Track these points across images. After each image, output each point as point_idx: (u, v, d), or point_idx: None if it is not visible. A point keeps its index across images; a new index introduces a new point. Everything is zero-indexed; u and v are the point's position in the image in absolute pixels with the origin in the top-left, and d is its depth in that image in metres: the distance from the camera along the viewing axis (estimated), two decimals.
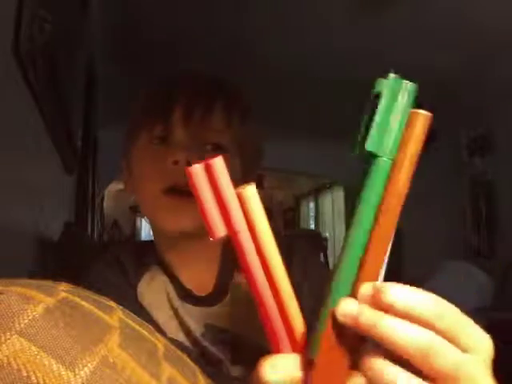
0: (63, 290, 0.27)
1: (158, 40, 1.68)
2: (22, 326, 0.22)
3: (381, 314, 0.25)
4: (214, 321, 0.54)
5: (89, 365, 0.22)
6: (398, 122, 0.27)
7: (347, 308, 0.26)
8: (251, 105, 0.61)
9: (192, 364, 0.32)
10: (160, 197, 0.53)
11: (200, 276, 0.57)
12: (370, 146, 0.26)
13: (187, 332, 0.53)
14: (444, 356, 0.25)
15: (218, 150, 0.56)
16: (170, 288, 0.55)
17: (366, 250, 0.27)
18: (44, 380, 0.21)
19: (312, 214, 5.44)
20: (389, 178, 0.27)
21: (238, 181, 0.62)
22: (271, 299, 0.28)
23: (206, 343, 0.52)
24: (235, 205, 0.28)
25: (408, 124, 0.27)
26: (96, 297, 0.29)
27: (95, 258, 0.58)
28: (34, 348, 0.22)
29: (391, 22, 1.53)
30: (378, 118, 0.27)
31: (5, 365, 0.21)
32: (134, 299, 0.54)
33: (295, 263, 0.57)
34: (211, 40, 1.68)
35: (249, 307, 0.56)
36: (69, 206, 1.60)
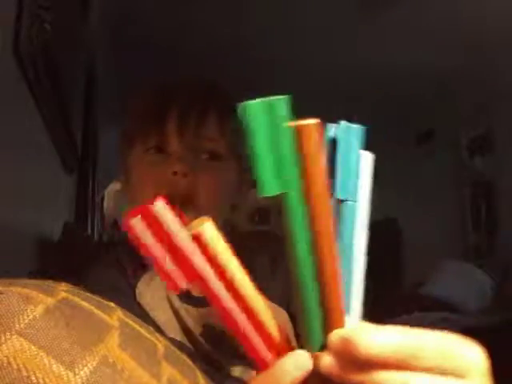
0: (63, 289, 0.27)
1: (158, 40, 1.68)
2: (22, 326, 0.22)
3: (364, 375, 0.23)
4: (213, 321, 0.55)
5: (89, 365, 0.22)
6: (281, 146, 0.23)
7: (326, 365, 0.24)
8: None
9: (192, 364, 0.32)
10: None
11: None
12: (264, 191, 0.23)
13: (187, 332, 0.53)
14: None
15: (214, 158, 0.56)
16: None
17: (320, 292, 0.25)
18: (44, 380, 0.21)
19: None
20: (307, 207, 0.23)
21: (235, 185, 0.62)
22: (261, 344, 0.26)
23: (205, 343, 0.52)
24: (192, 249, 0.24)
25: (296, 142, 0.23)
26: (96, 297, 0.29)
27: (94, 259, 0.58)
28: (33, 348, 0.22)
29: (391, 22, 1.53)
30: (256, 156, 0.23)
31: (5, 365, 0.21)
32: (133, 299, 0.54)
33: None
34: (211, 40, 1.68)
35: None
36: (69, 206, 1.60)
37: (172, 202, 0.54)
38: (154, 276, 0.56)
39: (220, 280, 0.25)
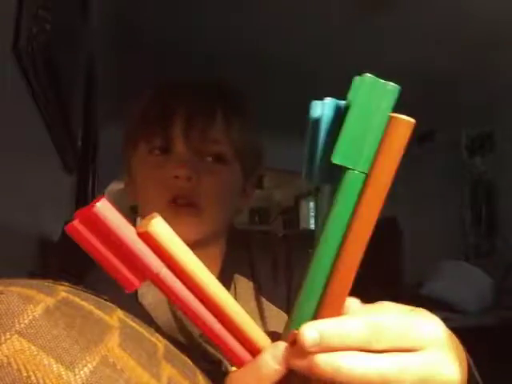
0: (63, 290, 0.27)
1: (158, 40, 1.68)
2: (22, 326, 0.22)
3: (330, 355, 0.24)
4: None
5: (89, 365, 0.22)
6: (373, 130, 0.23)
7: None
8: (251, 109, 0.61)
9: (192, 364, 0.32)
10: (163, 208, 0.53)
11: None
12: (337, 157, 0.23)
13: (187, 332, 0.53)
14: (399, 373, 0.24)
15: (218, 161, 0.56)
16: None
17: (330, 276, 0.24)
18: (44, 380, 0.21)
19: (312, 213, 5.44)
20: (360, 196, 0.23)
21: (239, 188, 0.61)
22: (217, 324, 0.26)
23: (205, 343, 0.53)
24: (141, 247, 0.23)
25: (387, 131, 0.23)
26: (96, 297, 0.29)
27: (84, 268, 0.57)
28: (33, 348, 0.22)
29: (391, 21, 1.53)
30: (347, 125, 0.23)
31: (5, 365, 0.21)
32: (135, 300, 0.54)
33: (294, 262, 0.58)
34: (211, 40, 1.68)
35: (248, 312, 0.56)
36: (69, 206, 1.60)
37: (176, 204, 0.53)
38: None
39: (179, 279, 0.24)
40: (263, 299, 0.56)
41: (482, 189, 2.37)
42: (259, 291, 0.57)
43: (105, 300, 0.29)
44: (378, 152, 0.23)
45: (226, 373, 0.52)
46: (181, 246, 0.24)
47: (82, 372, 0.22)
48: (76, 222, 0.22)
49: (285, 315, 0.57)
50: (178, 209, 0.52)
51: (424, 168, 2.66)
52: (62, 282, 0.28)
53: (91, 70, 1.65)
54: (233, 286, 0.57)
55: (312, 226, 5.37)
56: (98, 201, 0.22)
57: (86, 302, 0.26)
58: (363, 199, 0.23)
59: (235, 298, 0.57)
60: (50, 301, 0.24)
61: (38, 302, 0.24)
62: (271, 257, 0.61)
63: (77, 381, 0.22)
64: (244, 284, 0.58)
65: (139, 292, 0.54)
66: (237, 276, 0.58)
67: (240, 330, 0.26)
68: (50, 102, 0.99)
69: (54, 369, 0.21)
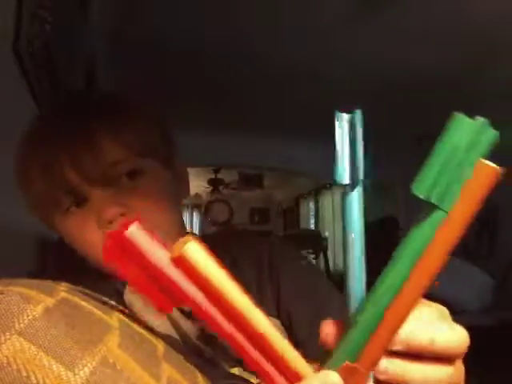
0: (63, 290, 0.27)
1: (158, 40, 1.68)
2: (22, 326, 0.22)
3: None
4: (205, 327, 0.54)
5: (88, 365, 0.22)
6: (461, 169, 0.23)
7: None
8: (135, 103, 0.56)
9: (192, 364, 0.32)
10: None
11: None
12: (420, 190, 0.23)
13: (182, 334, 0.53)
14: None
15: (133, 175, 0.51)
16: None
17: (388, 309, 0.24)
18: (44, 380, 0.21)
19: (312, 213, 5.44)
20: (438, 235, 0.24)
21: (170, 181, 0.55)
22: (255, 352, 0.25)
23: (201, 345, 0.52)
24: (174, 272, 0.22)
25: (475, 175, 0.23)
26: (96, 297, 0.29)
27: (80, 270, 0.54)
28: (33, 348, 0.22)
29: (391, 22, 1.53)
30: (434, 158, 0.23)
31: (4, 365, 0.21)
32: (124, 307, 0.53)
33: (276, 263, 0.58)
34: (211, 40, 1.68)
35: None
36: None
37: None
38: None
39: (215, 304, 0.23)
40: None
41: None
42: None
43: (105, 300, 0.29)
44: (463, 196, 0.23)
45: (223, 372, 0.52)
46: (217, 270, 0.23)
47: (81, 372, 0.22)
48: (109, 244, 0.23)
49: (272, 319, 0.55)
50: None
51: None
52: (62, 282, 0.28)
53: (91, 70, 1.64)
54: None
55: (312, 226, 5.37)
56: (129, 223, 0.23)
57: (86, 302, 0.26)
58: (438, 238, 0.24)
59: None
60: (49, 301, 0.24)
61: (38, 302, 0.24)
62: (254, 258, 0.59)
63: (77, 381, 0.22)
64: None
65: (126, 299, 0.52)
66: None
67: (280, 358, 0.25)
68: (49, 101, 0.99)
69: (54, 369, 0.21)
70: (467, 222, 0.24)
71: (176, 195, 0.57)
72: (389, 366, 0.25)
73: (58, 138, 0.50)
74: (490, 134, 0.23)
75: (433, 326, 0.26)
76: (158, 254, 0.22)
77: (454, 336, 0.26)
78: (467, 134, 0.23)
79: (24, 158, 0.52)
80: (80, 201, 0.50)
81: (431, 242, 0.24)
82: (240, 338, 0.24)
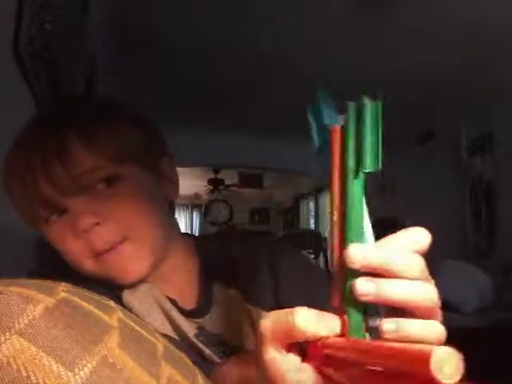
0: (63, 290, 0.27)
1: (158, 40, 1.68)
2: (22, 326, 0.22)
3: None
4: (205, 324, 0.54)
5: (88, 365, 0.22)
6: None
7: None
8: (112, 109, 0.55)
9: (191, 364, 0.32)
10: (98, 261, 0.50)
11: (182, 288, 0.56)
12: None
13: (181, 334, 0.53)
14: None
15: (110, 181, 0.50)
16: (157, 292, 0.54)
17: None
18: (44, 380, 0.21)
19: (312, 213, 5.44)
20: None
21: (154, 185, 0.54)
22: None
23: (200, 345, 0.52)
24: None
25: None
26: (96, 297, 0.29)
27: (77, 274, 0.54)
28: (33, 348, 0.22)
29: (391, 22, 1.53)
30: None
31: (4, 365, 0.21)
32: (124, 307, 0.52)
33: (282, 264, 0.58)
34: (211, 40, 1.68)
35: (234, 317, 0.55)
36: None
37: (107, 253, 0.49)
38: (136, 285, 0.53)
39: None
40: (248, 304, 0.55)
41: (481, 189, 2.37)
42: (243, 295, 0.56)
43: (105, 300, 0.29)
44: None
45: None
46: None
47: (81, 372, 0.22)
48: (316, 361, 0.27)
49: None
50: (112, 255, 0.49)
51: (424, 168, 2.66)
52: (62, 282, 0.28)
53: (91, 69, 1.64)
54: (214, 290, 0.57)
55: (312, 226, 5.37)
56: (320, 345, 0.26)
57: (86, 302, 0.26)
58: None
59: (215, 304, 0.55)
60: (49, 301, 0.24)
61: (38, 302, 0.24)
62: (254, 257, 0.59)
63: (76, 381, 0.22)
64: (226, 289, 0.56)
65: (124, 301, 0.52)
66: (217, 280, 0.57)
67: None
68: (49, 101, 0.99)
69: (54, 369, 0.21)
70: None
71: (161, 198, 0.56)
72: (365, 284, 0.28)
73: (33, 150, 0.49)
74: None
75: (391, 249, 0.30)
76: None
77: (411, 258, 0.29)
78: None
79: (5, 170, 0.51)
80: (59, 211, 0.50)
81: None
82: None
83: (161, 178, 0.56)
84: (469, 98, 2.12)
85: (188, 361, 0.31)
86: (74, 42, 1.26)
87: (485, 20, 1.50)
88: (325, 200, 5.00)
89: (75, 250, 0.49)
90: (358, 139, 0.28)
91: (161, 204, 0.55)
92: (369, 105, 0.29)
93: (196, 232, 6.61)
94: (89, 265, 0.50)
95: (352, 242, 0.30)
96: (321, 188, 4.97)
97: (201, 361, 0.50)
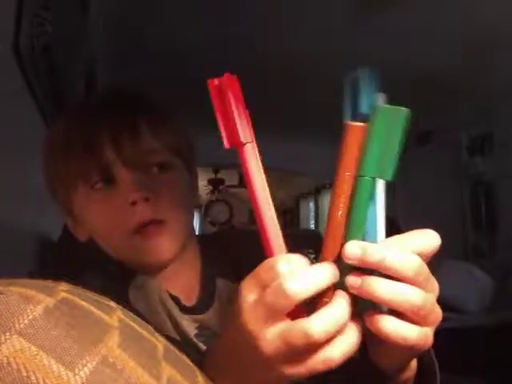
0: (63, 290, 0.27)
1: (157, 40, 1.68)
2: (22, 326, 0.22)
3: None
4: (206, 324, 0.55)
5: (88, 365, 0.22)
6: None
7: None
8: (172, 109, 0.60)
9: (192, 364, 0.32)
10: (130, 239, 0.51)
11: (184, 284, 0.57)
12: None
13: (182, 333, 0.53)
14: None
15: (164, 169, 0.55)
16: (162, 289, 0.55)
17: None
18: (44, 380, 0.21)
19: (312, 213, 5.44)
20: None
21: (190, 185, 0.59)
22: (270, 211, 0.32)
23: (200, 344, 0.52)
24: (244, 119, 0.32)
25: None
26: (96, 297, 0.29)
27: (82, 271, 0.56)
28: (33, 348, 0.22)
29: (391, 22, 1.53)
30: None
31: (4, 365, 0.21)
32: (128, 305, 0.53)
33: None
34: (211, 40, 1.68)
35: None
36: None
37: (144, 229, 0.52)
38: (142, 282, 0.55)
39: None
40: None
41: (481, 189, 2.37)
42: None
43: (105, 300, 0.29)
44: None
45: None
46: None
47: (81, 372, 0.22)
48: (215, 82, 0.34)
49: None
50: (147, 233, 0.51)
51: (424, 168, 2.66)
52: (62, 282, 0.28)
53: (91, 70, 1.65)
54: (216, 287, 0.57)
55: (312, 226, 5.37)
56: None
57: (86, 302, 0.26)
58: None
59: (218, 300, 0.57)
60: (49, 301, 0.24)
61: (38, 302, 0.24)
62: (254, 257, 0.60)
63: (77, 381, 0.22)
64: (227, 285, 0.57)
65: (131, 298, 0.54)
66: (219, 277, 0.58)
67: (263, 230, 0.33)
68: (50, 101, 0.99)
69: (54, 369, 0.21)
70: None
71: (191, 198, 0.60)
72: (353, 278, 0.30)
73: (103, 120, 0.53)
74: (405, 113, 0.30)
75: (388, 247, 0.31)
76: (238, 101, 0.33)
77: (406, 257, 0.31)
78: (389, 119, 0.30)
79: (65, 130, 0.55)
80: (108, 179, 0.53)
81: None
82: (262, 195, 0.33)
83: (193, 179, 0.61)
84: (469, 98, 2.12)
85: (188, 361, 0.31)
86: (74, 42, 1.26)
87: (485, 20, 1.50)
88: (325, 200, 5.00)
89: (114, 221, 0.52)
90: (386, 146, 0.29)
91: (191, 202, 0.59)
92: (402, 112, 0.30)
93: (196, 232, 6.60)
94: (120, 240, 0.52)
95: (351, 239, 0.31)
96: (321, 188, 4.96)
97: (200, 360, 0.50)
